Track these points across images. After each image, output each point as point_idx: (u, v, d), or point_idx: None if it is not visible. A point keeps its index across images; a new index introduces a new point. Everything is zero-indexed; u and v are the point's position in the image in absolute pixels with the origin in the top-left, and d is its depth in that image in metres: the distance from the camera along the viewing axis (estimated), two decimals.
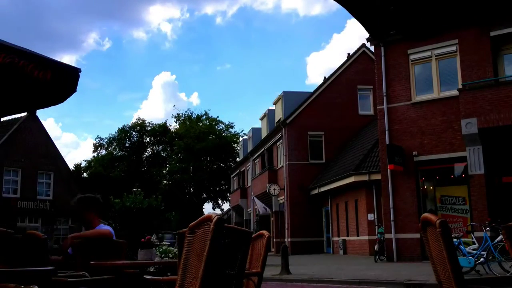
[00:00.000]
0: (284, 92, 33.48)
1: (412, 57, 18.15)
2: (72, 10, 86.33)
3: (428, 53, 17.82)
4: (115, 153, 61.60)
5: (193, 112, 64.10)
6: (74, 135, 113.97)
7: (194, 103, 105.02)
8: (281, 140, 31.99)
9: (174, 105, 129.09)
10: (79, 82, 4.21)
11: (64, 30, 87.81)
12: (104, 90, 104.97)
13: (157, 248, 5.60)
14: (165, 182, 58.17)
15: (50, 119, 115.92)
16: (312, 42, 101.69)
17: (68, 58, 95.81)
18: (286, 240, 29.47)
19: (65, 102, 4.41)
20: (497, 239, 11.46)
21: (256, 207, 34.13)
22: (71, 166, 53.92)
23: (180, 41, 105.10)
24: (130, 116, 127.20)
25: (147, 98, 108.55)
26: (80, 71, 4.25)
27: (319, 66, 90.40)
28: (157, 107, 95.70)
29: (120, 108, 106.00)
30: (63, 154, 62.84)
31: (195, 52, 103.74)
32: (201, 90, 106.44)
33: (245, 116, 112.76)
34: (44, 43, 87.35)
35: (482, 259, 11.43)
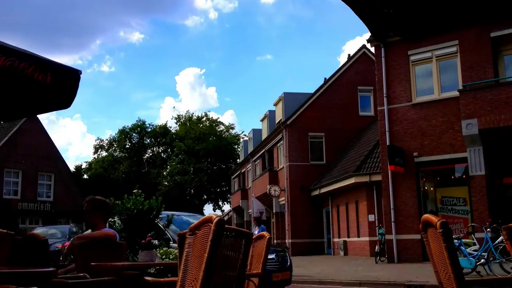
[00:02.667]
0: (284, 93, 33.49)
1: (412, 58, 18.16)
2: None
3: (428, 54, 17.83)
4: (115, 154, 61.65)
5: (193, 113, 64.17)
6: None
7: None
8: (281, 141, 31.99)
9: (174, 107, 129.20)
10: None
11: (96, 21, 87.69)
12: (120, 87, 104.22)
13: (157, 249, 5.60)
14: (165, 183, 58.18)
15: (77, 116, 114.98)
16: None
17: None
18: (286, 241, 29.46)
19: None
20: (498, 240, 11.45)
21: (256, 209, 34.14)
22: (72, 168, 53.98)
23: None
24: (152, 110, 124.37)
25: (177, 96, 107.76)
26: (81, 73, 4.24)
27: None
28: (191, 100, 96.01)
29: (133, 107, 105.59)
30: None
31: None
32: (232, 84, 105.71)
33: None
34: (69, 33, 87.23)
35: (483, 260, 11.42)
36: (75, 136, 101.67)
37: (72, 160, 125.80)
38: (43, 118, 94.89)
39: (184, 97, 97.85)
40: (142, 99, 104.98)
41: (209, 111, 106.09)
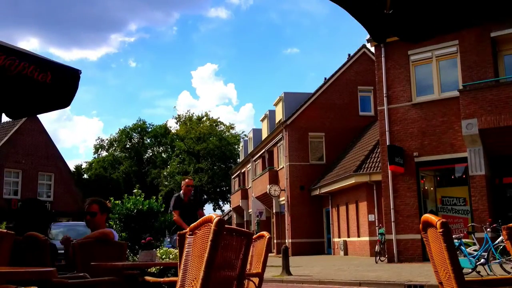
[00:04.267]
0: (284, 93, 33.49)
1: (412, 58, 18.16)
2: None
3: (428, 54, 17.83)
4: (116, 154, 61.65)
5: (193, 113, 64.11)
6: None
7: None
8: (281, 141, 31.99)
9: (175, 106, 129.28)
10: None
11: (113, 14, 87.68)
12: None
13: (157, 249, 5.60)
14: (165, 183, 58.18)
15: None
16: None
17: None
18: (286, 241, 29.46)
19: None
20: (498, 240, 11.45)
21: (255, 209, 34.15)
22: (72, 167, 53.97)
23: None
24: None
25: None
26: (81, 73, 4.24)
27: None
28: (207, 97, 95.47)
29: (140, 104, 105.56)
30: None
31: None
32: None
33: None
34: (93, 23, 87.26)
35: (483, 260, 11.41)
36: (90, 133, 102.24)
37: (83, 157, 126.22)
38: (55, 114, 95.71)
39: (200, 91, 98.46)
40: (154, 96, 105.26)
41: (227, 105, 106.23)
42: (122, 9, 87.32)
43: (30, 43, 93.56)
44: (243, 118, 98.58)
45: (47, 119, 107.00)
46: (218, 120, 60.19)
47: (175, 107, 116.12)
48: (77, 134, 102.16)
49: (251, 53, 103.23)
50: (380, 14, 3.12)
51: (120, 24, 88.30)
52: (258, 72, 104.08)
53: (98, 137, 76.92)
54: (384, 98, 18.48)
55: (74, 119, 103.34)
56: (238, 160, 53.64)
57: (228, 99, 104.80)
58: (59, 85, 4.00)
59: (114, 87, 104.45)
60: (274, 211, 32.98)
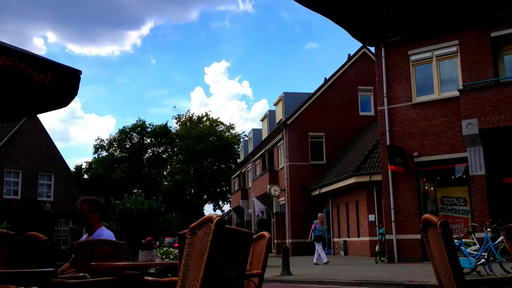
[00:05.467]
0: (284, 93, 33.50)
1: (412, 58, 18.16)
2: None
3: (428, 54, 17.83)
4: (115, 154, 61.64)
5: (193, 113, 64.15)
6: None
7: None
8: (281, 141, 31.99)
9: (175, 106, 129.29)
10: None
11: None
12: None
13: (157, 249, 5.60)
14: (165, 183, 58.19)
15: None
16: None
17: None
18: (287, 241, 29.45)
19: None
20: (498, 240, 11.45)
21: (257, 208, 34.15)
22: (72, 168, 53.98)
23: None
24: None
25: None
26: (81, 73, 4.23)
27: None
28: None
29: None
30: None
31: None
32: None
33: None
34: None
35: (483, 260, 11.41)
36: (105, 130, 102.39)
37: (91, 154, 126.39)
38: (65, 112, 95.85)
39: (214, 87, 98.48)
40: (165, 94, 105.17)
41: (241, 101, 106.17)
42: (139, 5, 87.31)
43: (46, 37, 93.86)
44: (256, 115, 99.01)
45: (55, 117, 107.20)
46: (218, 120, 60.25)
47: (175, 107, 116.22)
48: (89, 131, 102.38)
49: (265, 50, 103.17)
50: (374, 16, 3.11)
51: (136, 20, 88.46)
52: (273, 68, 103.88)
53: (98, 137, 76.98)
54: (384, 98, 18.47)
55: (86, 117, 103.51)
56: (238, 160, 53.64)
57: (242, 96, 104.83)
58: (59, 86, 4.00)
59: (126, 85, 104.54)
60: (274, 211, 32.96)
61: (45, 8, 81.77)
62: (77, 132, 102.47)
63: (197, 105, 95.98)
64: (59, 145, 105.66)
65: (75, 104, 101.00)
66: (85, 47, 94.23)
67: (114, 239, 5.04)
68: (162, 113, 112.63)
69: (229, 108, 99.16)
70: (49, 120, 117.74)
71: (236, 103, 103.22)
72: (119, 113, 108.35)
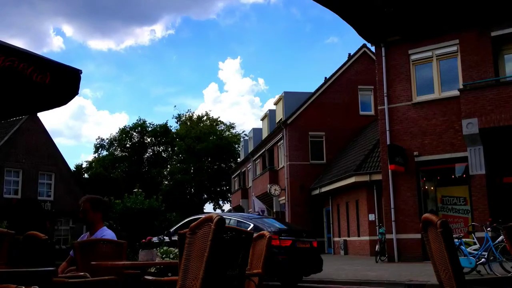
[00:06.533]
0: (284, 92, 33.50)
1: (413, 57, 18.16)
2: None
3: (429, 53, 17.82)
4: (116, 153, 61.63)
5: (193, 112, 64.18)
6: None
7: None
8: (282, 141, 31.99)
9: (175, 106, 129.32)
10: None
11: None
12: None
13: (158, 248, 5.60)
14: (166, 182, 58.19)
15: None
16: None
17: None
18: None
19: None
20: (498, 240, 11.45)
21: (257, 207, 34.15)
22: (72, 167, 53.98)
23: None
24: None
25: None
26: (81, 73, 4.23)
27: None
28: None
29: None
30: None
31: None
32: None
33: None
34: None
35: (483, 260, 11.42)
36: (115, 128, 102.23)
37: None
38: (77, 107, 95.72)
39: (229, 83, 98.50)
40: (165, 92, 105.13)
41: (255, 96, 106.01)
42: (153, 1, 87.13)
43: (64, 31, 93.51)
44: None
45: (65, 114, 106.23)
46: (218, 119, 60.25)
47: (175, 106, 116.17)
48: (102, 128, 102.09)
49: (278, 47, 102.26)
50: (375, 15, 3.12)
51: (153, 16, 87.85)
52: (288, 64, 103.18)
53: (98, 137, 76.94)
54: (385, 98, 18.47)
55: (99, 114, 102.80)
56: (238, 159, 53.64)
57: (256, 92, 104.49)
58: (58, 86, 4.00)
59: (140, 82, 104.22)
60: (274, 210, 32.96)
61: (59, 1, 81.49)
62: (89, 129, 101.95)
63: (210, 102, 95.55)
64: (69, 143, 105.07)
65: (85, 101, 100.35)
66: (100, 42, 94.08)
67: (116, 239, 5.04)
68: (173, 112, 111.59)
69: (242, 106, 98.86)
70: (59, 117, 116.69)
71: (249, 98, 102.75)
72: (130, 111, 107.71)
